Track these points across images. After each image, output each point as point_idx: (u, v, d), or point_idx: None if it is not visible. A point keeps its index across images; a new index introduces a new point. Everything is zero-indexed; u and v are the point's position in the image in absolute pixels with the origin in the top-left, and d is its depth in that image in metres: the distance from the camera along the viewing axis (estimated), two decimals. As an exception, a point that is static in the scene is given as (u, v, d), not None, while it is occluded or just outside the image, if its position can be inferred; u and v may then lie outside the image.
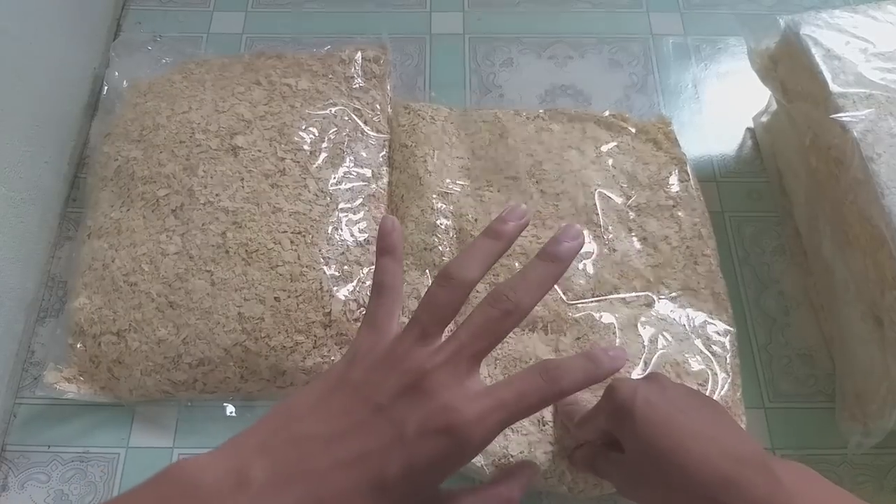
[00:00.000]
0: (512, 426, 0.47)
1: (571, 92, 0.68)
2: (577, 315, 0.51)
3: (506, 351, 0.50)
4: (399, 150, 0.60)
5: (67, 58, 0.62)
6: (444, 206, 0.56)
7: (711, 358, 0.50)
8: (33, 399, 0.52)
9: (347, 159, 0.57)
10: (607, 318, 0.51)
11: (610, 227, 0.55)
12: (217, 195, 0.54)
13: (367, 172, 0.58)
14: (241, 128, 0.57)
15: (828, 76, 0.51)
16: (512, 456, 0.46)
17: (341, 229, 0.54)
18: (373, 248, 0.52)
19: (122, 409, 0.52)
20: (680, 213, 0.56)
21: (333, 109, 0.59)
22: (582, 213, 0.55)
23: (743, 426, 0.49)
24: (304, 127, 0.58)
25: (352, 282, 0.52)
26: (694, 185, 0.58)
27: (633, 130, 0.61)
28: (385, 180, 0.59)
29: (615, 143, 0.60)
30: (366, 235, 0.55)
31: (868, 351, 0.49)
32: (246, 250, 0.52)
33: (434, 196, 0.56)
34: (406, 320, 0.52)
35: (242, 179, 0.55)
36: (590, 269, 0.53)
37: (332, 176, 0.56)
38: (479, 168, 0.58)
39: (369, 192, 0.57)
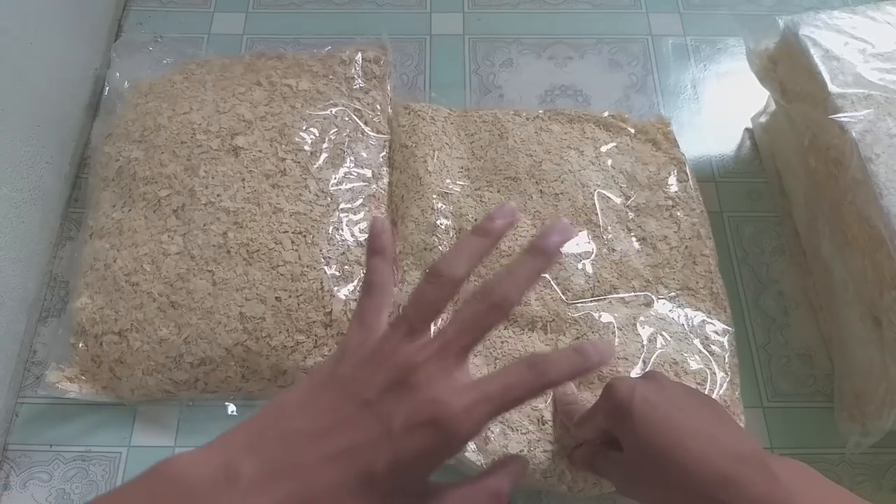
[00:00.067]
0: (512, 426, 0.47)
1: (571, 92, 0.68)
2: (577, 315, 0.51)
3: (505, 350, 0.50)
4: (399, 150, 0.60)
5: (68, 58, 0.63)
6: (444, 206, 0.56)
7: (710, 357, 0.51)
8: (35, 398, 0.52)
9: (348, 160, 0.58)
10: (606, 317, 0.51)
11: (609, 227, 0.55)
12: (218, 195, 0.54)
13: (368, 173, 0.58)
14: (242, 128, 0.57)
15: (826, 77, 0.52)
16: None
17: (342, 229, 0.54)
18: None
19: (124, 409, 0.52)
20: (679, 214, 0.57)
21: (334, 110, 0.59)
22: (581, 213, 0.56)
23: (741, 425, 0.49)
24: (304, 127, 0.58)
25: (352, 281, 0.53)
26: (693, 185, 0.58)
27: (633, 131, 0.61)
28: (385, 180, 0.59)
29: (614, 144, 0.60)
30: (366, 235, 0.55)
31: (867, 351, 0.49)
32: (247, 250, 0.52)
33: (434, 196, 0.56)
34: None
35: (243, 180, 0.55)
36: (589, 269, 0.53)
37: (333, 176, 0.56)
38: (479, 168, 0.59)
39: (370, 192, 0.57)
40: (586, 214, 0.56)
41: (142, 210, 0.54)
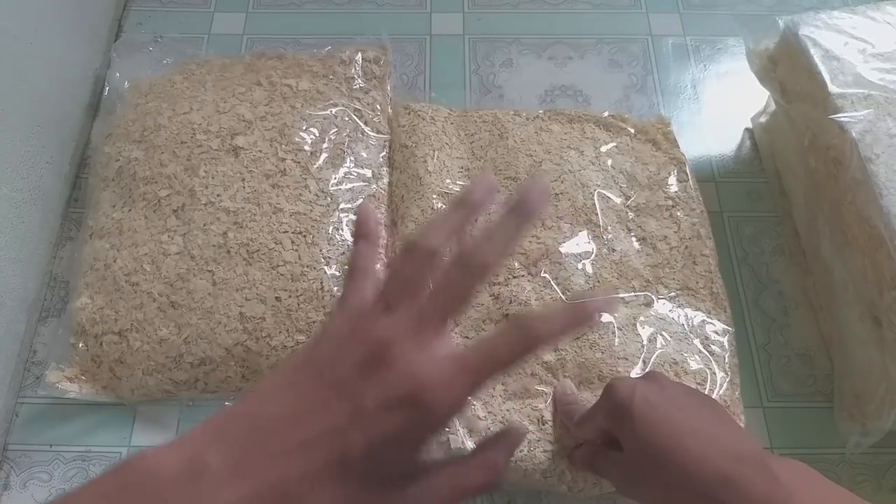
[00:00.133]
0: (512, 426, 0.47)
1: (571, 92, 0.68)
2: (577, 315, 0.51)
3: (506, 350, 0.50)
4: (399, 150, 0.60)
5: (68, 58, 0.63)
6: (444, 206, 0.56)
7: (710, 357, 0.51)
8: (35, 398, 0.52)
9: (348, 160, 0.58)
10: (606, 317, 0.51)
11: (609, 228, 0.55)
12: (218, 195, 0.54)
13: (368, 173, 0.58)
14: (242, 128, 0.57)
15: (826, 77, 0.52)
16: (511, 455, 0.46)
17: (342, 229, 0.54)
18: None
19: (124, 409, 0.52)
20: (679, 214, 0.57)
21: (334, 110, 0.59)
22: (581, 213, 0.56)
23: (742, 425, 0.49)
24: (304, 127, 0.58)
25: (352, 282, 0.53)
26: (693, 185, 0.58)
27: (633, 131, 0.61)
28: (385, 181, 0.59)
29: (614, 144, 0.60)
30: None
31: (866, 351, 0.49)
32: (247, 250, 0.52)
33: (434, 196, 0.56)
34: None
35: (243, 180, 0.55)
36: (589, 269, 0.53)
37: (333, 176, 0.56)
38: (479, 168, 0.59)
39: (370, 192, 0.57)
40: (586, 214, 0.56)
41: (142, 210, 0.55)
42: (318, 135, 0.58)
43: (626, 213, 0.56)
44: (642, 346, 0.50)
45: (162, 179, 0.55)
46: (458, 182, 0.57)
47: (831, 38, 0.54)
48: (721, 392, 0.49)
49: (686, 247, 0.55)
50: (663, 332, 0.51)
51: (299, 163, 0.56)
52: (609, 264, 0.54)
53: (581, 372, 0.50)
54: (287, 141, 0.57)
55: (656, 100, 0.68)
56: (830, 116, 0.50)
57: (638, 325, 0.51)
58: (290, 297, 0.51)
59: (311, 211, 0.54)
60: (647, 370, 0.49)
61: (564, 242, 0.54)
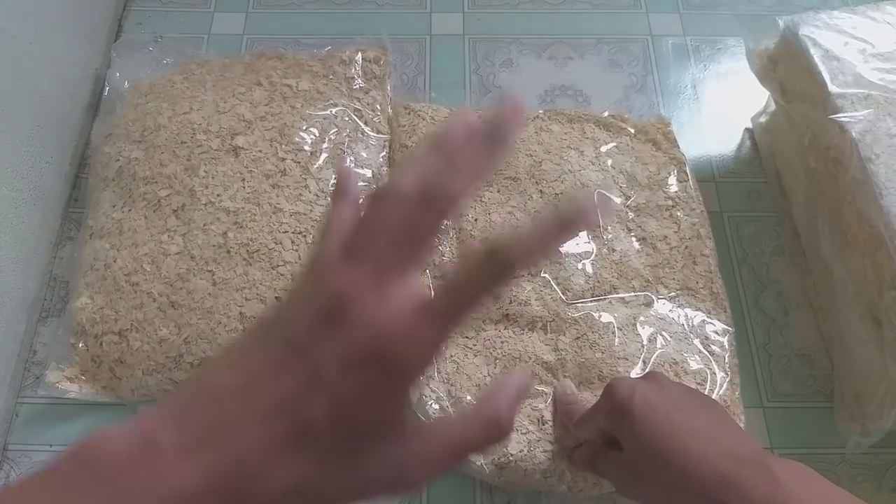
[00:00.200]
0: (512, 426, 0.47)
1: (571, 92, 0.68)
2: (576, 315, 0.51)
3: (506, 350, 0.50)
4: (399, 150, 0.60)
5: (68, 58, 0.63)
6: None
7: (710, 357, 0.51)
8: (35, 399, 0.52)
9: (348, 160, 0.58)
10: (606, 317, 0.51)
11: (609, 227, 0.55)
12: (218, 195, 0.54)
13: (368, 173, 0.58)
14: (242, 128, 0.57)
15: (826, 77, 0.52)
16: (511, 455, 0.46)
17: (342, 229, 0.54)
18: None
19: (124, 409, 0.52)
20: (679, 214, 0.57)
21: (334, 110, 0.59)
22: (581, 213, 0.55)
23: (741, 425, 0.49)
24: (304, 127, 0.58)
25: (352, 282, 0.53)
26: (693, 185, 0.58)
27: (633, 131, 0.61)
28: (386, 181, 0.59)
29: (614, 144, 0.60)
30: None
31: (866, 351, 0.49)
32: (247, 250, 0.52)
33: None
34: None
35: (243, 180, 0.55)
36: (589, 269, 0.53)
37: (333, 176, 0.56)
38: (479, 168, 0.58)
39: (370, 192, 0.57)
40: (586, 214, 0.55)
41: (142, 210, 0.55)
42: (318, 135, 0.58)
43: (626, 213, 0.56)
44: (642, 346, 0.50)
45: (162, 179, 0.55)
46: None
47: (831, 38, 0.54)
48: (721, 392, 0.49)
49: (686, 247, 0.55)
50: (663, 332, 0.51)
51: (299, 163, 0.56)
52: (609, 264, 0.54)
53: (581, 372, 0.50)
54: (287, 141, 0.57)
55: (656, 100, 0.68)
56: (830, 116, 0.50)
57: (638, 325, 0.51)
58: (290, 297, 0.51)
59: (311, 211, 0.54)
60: (647, 370, 0.49)
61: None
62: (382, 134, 0.61)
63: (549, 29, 0.72)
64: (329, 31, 0.70)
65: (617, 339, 0.50)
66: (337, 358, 0.23)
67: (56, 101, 0.60)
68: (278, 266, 0.51)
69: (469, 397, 0.48)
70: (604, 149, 0.60)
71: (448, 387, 0.49)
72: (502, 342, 0.50)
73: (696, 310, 0.53)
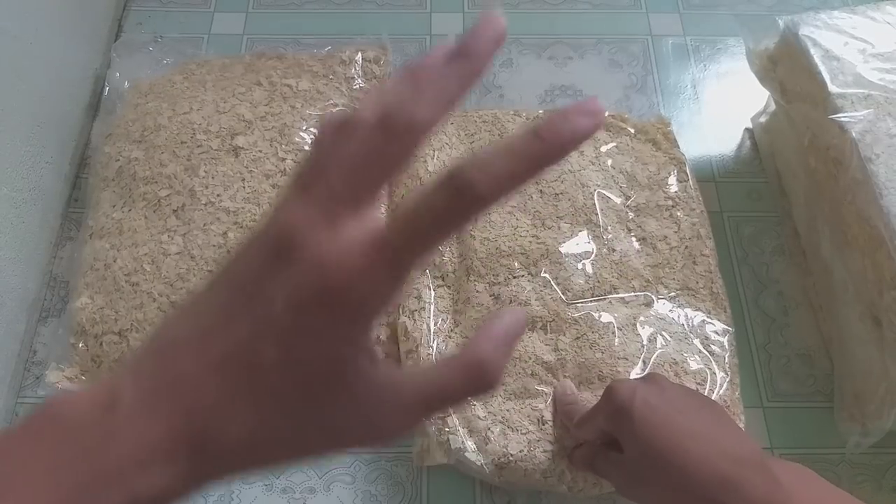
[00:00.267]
0: (512, 426, 0.47)
1: (571, 92, 0.68)
2: (576, 315, 0.51)
3: (505, 351, 0.50)
4: (399, 150, 0.60)
5: (68, 58, 0.63)
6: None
7: (710, 357, 0.51)
8: (35, 399, 0.52)
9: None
10: (606, 317, 0.51)
11: (609, 227, 0.55)
12: (218, 195, 0.54)
13: (368, 173, 0.58)
14: (242, 128, 0.57)
15: (826, 77, 0.52)
16: (511, 455, 0.46)
17: (342, 229, 0.54)
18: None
19: (124, 409, 0.52)
20: (679, 214, 0.57)
21: (334, 110, 0.59)
22: (581, 213, 0.56)
23: (741, 426, 0.49)
24: (304, 127, 0.58)
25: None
26: (693, 185, 0.58)
27: (633, 131, 0.61)
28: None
29: (614, 144, 0.60)
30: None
31: (866, 351, 0.49)
32: (247, 250, 0.52)
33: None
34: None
35: (244, 180, 0.55)
36: (589, 269, 0.53)
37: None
38: (479, 168, 0.58)
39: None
40: (586, 214, 0.56)
41: (142, 210, 0.55)
42: (318, 135, 0.58)
43: (626, 212, 0.56)
44: (642, 346, 0.50)
45: (162, 179, 0.55)
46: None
47: (831, 38, 0.54)
48: (721, 392, 0.49)
49: (686, 247, 0.55)
50: (663, 332, 0.51)
51: (299, 163, 0.56)
52: (609, 264, 0.54)
53: (581, 372, 0.50)
54: (287, 141, 0.57)
55: (656, 100, 0.68)
56: (830, 116, 0.50)
57: (638, 325, 0.51)
58: (290, 297, 0.51)
59: (311, 211, 0.54)
60: (647, 370, 0.49)
61: (564, 242, 0.54)
62: (382, 134, 0.61)
63: (549, 29, 0.72)
64: (329, 31, 0.70)
65: (617, 339, 0.50)
66: (285, 300, 0.21)
67: (56, 101, 0.60)
68: (278, 266, 0.51)
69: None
70: (604, 149, 0.60)
71: (448, 387, 0.49)
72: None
73: (696, 310, 0.53)
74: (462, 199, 0.20)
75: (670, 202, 0.57)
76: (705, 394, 0.48)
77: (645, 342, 0.50)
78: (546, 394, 0.49)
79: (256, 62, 0.63)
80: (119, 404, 0.22)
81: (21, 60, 0.54)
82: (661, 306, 0.53)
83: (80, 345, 0.51)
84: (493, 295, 0.52)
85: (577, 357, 0.50)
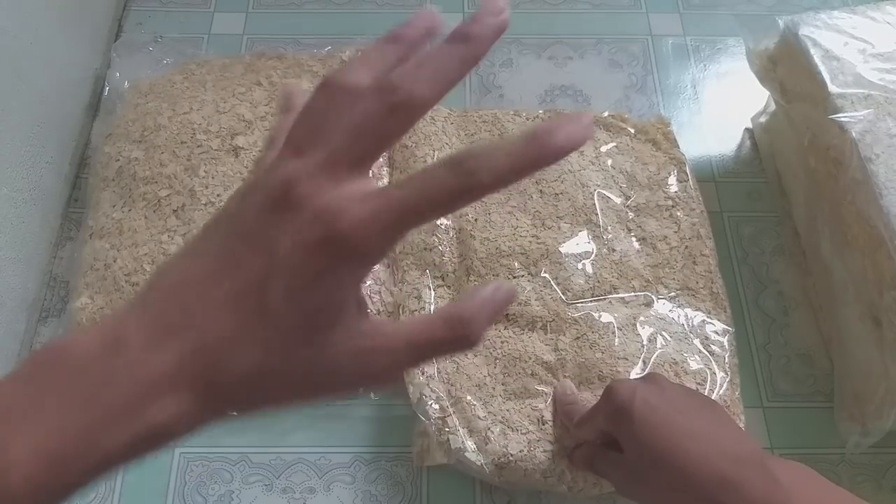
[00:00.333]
0: (512, 426, 0.47)
1: (571, 92, 0.68)
2: (577, 315, 0.51)
3: (506, 350, 0.50)
4: (399, 150, 0.60)
5: (68, 58, 0.63)
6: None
7: (710, 357, 0.51)
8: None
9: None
10: (606, 317, 0.51)
11: (609, 227, 0.55)
12: (218, 195, 0.54)
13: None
14: (242, 128, 0.57)
15: (826, 77, 0.52)
16: (511, 455, 0.46)
17: (342, 229, 0.54)
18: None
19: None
20: (679, 214, 0.57)
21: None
22: (581, 213, 0.56)
23: (741, 425, 0.49)
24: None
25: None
26: (693, 185, 0.58)
27: (633, 131, 0.61)
28: (385, 181, 0.59)
29: (614, 144, 0.60)
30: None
31: (866, 351, 0.49)
32: (247, 250, 0.52)
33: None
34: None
35: (243, 180, 0.55)
36: (589, 269, 0.53)
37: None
38: (479, 168, 0.58)
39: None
40: (586, 214, 0.56)
41: (142, 210, 0.55)
42: (318, 135, 0.58)
43: (626, 212, 0.56)
44: (642, 346, 0.50)
45: (162, 179, 0.55)
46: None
47: (831, 38, 0.54)
48: (721, 392, 0.49)
49: (686, 247, 0.55)
50: (663, 332, 0.51)
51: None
52: (609, 264, 0.54)
53: (581, 372, 0.50)
54: (287, 141, 0.57)
55: (656, 100, 0.68)
56: (830, 116, 0.50)
57: (638, 325, 0.51)
58: (289, 297, 0.51)
59: (311, 211, 0.54)
60: (647, 370, 0.49)
61: (564, 242, 0.54)
62: (382, 134, 0.61)
63: (549, 29, 0.72)
64: (329, 31, 0.70)
65: (617, 339, 0.50)
66: (290, 244, 0.23)
67: (56, 101, 0.60)
68: (278, 266, 0.51)
69: (469, 397, 0.48)
70: (604, 149, 0.60)
71: (448, 387, 0.49)
72: (502, 342, 0.50)
73: (696, 310, 0.53)
74: (465, 183, 0.22)
75: (670, 202, 0.57)
76: (705, 394, 0.48)
77: (645, 342, 0.50)
78: (546, 394, 0.49)
79: (256, 62, 0.63)
80: (127, 342, 0.22)
81: (21, 60, 0.54)
82: (661, 306, 0.53)
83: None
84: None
85: (577, 357, 0.50)
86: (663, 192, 0.58)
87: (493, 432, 0.47)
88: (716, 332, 0.52)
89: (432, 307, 0.52)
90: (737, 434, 0.38)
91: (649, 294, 0.53)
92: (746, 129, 0.67)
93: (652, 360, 0.50)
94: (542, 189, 0.57)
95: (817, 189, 0.54)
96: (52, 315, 0.56)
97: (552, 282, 0.52)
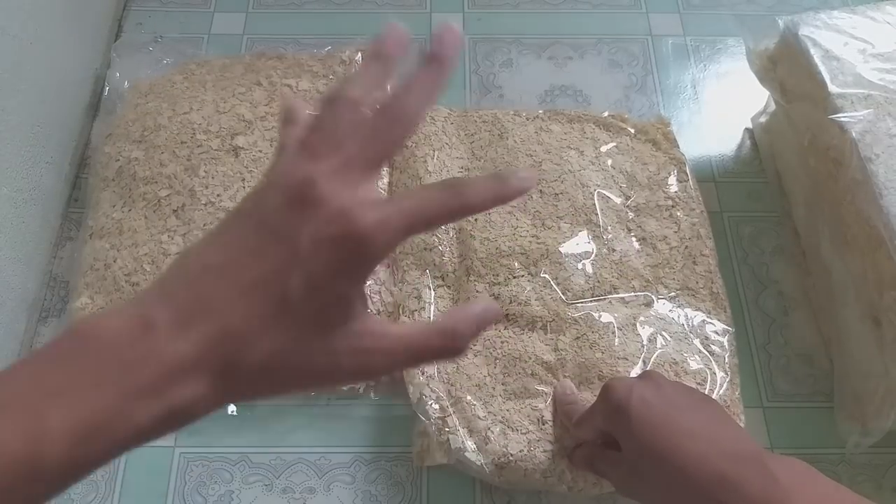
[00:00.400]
0: (512, 426, 0.47)
1: (571, 92, 0.68)
2: (577, 315, 0.51)
3: (506, 350, 0.50)
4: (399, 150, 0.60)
5: (69, 59, 0.63)
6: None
7: (710, 357, 0.51)
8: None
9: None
10: (606, 317, 0.51)
11: (609, 227, 0.55)
12: (218, 195, 0.54)
13: (368, 173, 0.58)
14: (242, 128, 0.57)
15: (826, 77, 0.52)
16: (511, 455, 0.46)
17: (342, 229, 0.54)
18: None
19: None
20: (679, 214, 0.57)
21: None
22: (581, 213, 0.56)
23: (741, 425, 0.49)
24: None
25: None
26: (693, 185, 0.58)
27: (633, 131, 0.61)
28: (385, 181, 0.59)
29: (614, 144, 0.60)
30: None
31: (866, 351, 0.49)
32: (247, 250, 0.52)
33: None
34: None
35: (244, 180, 0.55)
36: (589, 269, 0.53)
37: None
38: (479, 168, 0.59)
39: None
40: (586, 214, 0.56)
41: (142, 210, 0.55)
42: (318, 135, 0.58)
43: (626, 213, 0.56)
44: (642, 346, 0.50)
45: (162, 179, 0.55)
46: (457, 182, 0.57)
47: (831, 38, 0.54)
48: (721, 392, 0.49)
49: (686, 247, 0.55)
50: (663, 332, 0.51)
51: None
52: (609, 264, 0.54)
53: (581, 372, 0.50)
54: (287, 141, 0.57)
55: (656, 100, 0.68)
56: (830, 116, 0.50)
57: (638, 325, 0.51)
58: (289, 297, 0.51)
59: (310, 211, 0.54)
60: (645, 370, 0.49)
61: (564, 242, 0.54)
62: (382, 134, 0.61)
63: (549, 29, 0.72)
64: (329, 31, 0.70)
65: (617, 339, 0.50)
66: (310, 238, 0.25)
67: (56, 101, 0.60)
68: (278, 266, 0.51)
69: (469, 397, 0.48)
70: (604, 149, 0.60)
71: (448, 387, 0.49)
72: (502, 342, 0.50)
73: (696, 310, 0.53)
74: (455, 206, 0.27)
75: (670, 202, 0.57)
76: (703, 392, 0.48)
77: (645, 342, 0.50)
78: (546, 394, 0.49)
79: (256, 62, 0.63)
80: (154, 326, 0.24)
81: (21, 60, 0.54)
82: (661, 306, 0.53)
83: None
84: (493, 295, 0.52)
85: (577, 357, 0.50)
86: (663, 192, 0.58)
87: (493, 432, 0.47)
88: (716, 332, 0.52)
89: (432, 307, 0.52)
90: (735, 432, 0.38)
91: (649, 294, 0.53)
92: (746, 129, 0.67)
93: (652, 360, 0.50)
94: (542, 189, 0.57)
95: (817, 189, 0.54)
96: (52, 315, 0.56)
97: (552, 282, 0.52)
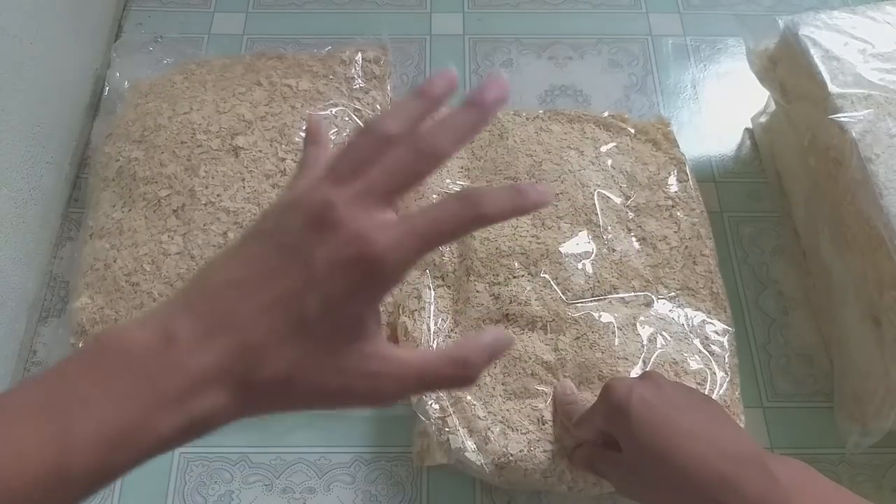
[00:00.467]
0: (512, 426, 0.47)
1: (571, 92, 0.68)
2: (577, 315, 0.51)
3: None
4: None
5: (69, 59, 0.63)
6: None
7: (710, 357, 0.51)
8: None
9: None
10: (606, 317, 0.51)
11: (609, 227, 0.55)
12: (218, 195, 0.54)
13: (368, 173, 0.58)
14: (242, 128, 0.57)
15: (826, 77, 0.52)
16: (511, 455, 0.46)
17: (342, 229, 0.54)
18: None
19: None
20: (679, 214, 0.57)
21: (334, 110, 0.59)
22: (581, 213, 0.56)
23: (741, 425, 0.49)
24: (304, 127, 0.58)
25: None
26: (693, 185, 0.58)
27: (633, 131, 0.61)
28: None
29: (614, 144, 0.60)
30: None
31: (866, 351, 0.49)
32: (247, 250, 0.52)
33: (434, 196, 0.56)
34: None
35: (244, 180, 0.55)
36: (589, 269, 0.53)
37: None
38: (479, 168, 0.59)
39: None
40: (586, 214, 0.56)
41: (142, 210, 0.55)
42: (318, 135, 0.58)
43: (626, 213, 0.56)
44: (642, 346, 0.50)
45: (162, 179, 0.55)
46: (457, 182, 0.57)
47: (831, 38, 0.54)
48: (721, 392, 0.49)
49: (686, 247, 0.55)
50: (663, 332, 0.51)
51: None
52: (609, 264, 0.54)
53: (581, 372, 0.50)
54: (287, 141, 0.57)
55: (656, 100, 0.68)
56: (830, 116, 0.50)
57: (638, 325, 0.51)
58: (290, 297, 0.51)
59: (311, 211, 0.54)
60: (645, 370, 0.49)
61: (564, 242, 0.54)
62: (382, 134, 0.61)
63: (549, 29, 0.72)
64: (329, 31, 0.70)
65: (617, 339, 0.50)
66: (327, 260, 0.26)
67: (56, 101, 0.60)
68: (278, 266, 0.51)
69: (469, 397, 0.48)
70: (604, 149, 0.60)
71: (448, 387, 0.49)
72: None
73: (696, 310, 0.53)
74: (472, 217, 0.27)
75: (670, 202, 0.57)
76: (703, 392, 0.48)
77: (645, 342, 0.50)
78: (546, 394, 0.49)
79: (256, 62, 0.63)
80: (177, 339, 0.25)
81: (21, 60, 0.54)
82: (661, 306, 0.53)
83: (81, 345, 0.51)
84: (493, 295, 0.52)
85: (577, 357, 0.50)
86: (663, 192, 0.58)
87: (493, 432, 0.47)
88: (716, 332, 0.52)
89: (432, 307, 0.52)
90: (735, 432, 0.38)
91: (649, 294, 0.53)
92: (746, 129, 0.67)
93: (652, 360, 0.50)
94: (542, 189, 0.57)
95: (817, 189, 0.54)
96: (52, 315, 0.56)
97: (552, 282, 0.52)
